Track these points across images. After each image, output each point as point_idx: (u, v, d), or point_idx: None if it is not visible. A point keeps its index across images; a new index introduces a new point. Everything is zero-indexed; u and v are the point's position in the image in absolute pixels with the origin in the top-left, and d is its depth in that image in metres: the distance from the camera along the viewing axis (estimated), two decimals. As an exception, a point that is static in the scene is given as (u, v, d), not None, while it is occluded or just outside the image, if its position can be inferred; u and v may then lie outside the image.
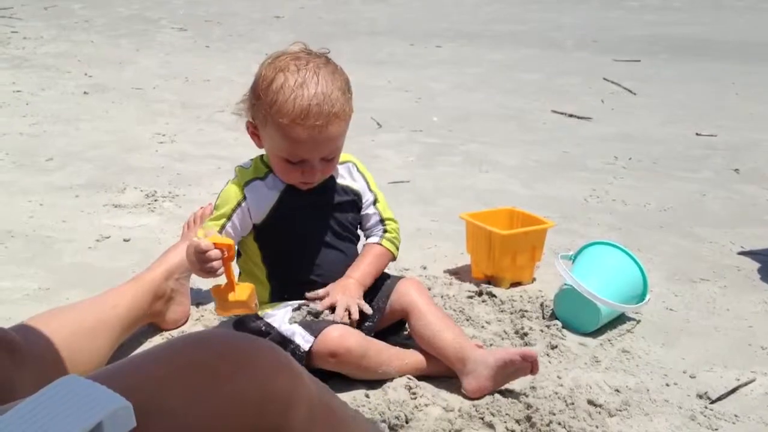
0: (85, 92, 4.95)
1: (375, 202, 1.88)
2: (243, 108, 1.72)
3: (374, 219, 1.89)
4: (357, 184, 1.86)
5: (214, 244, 1.54)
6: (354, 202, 1.86)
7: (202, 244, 1.54)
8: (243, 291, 1.60)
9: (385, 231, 1.89)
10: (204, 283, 2.10)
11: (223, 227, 1.70)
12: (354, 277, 1.79)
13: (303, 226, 1.77)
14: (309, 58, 1.65)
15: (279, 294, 1.79)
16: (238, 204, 1.72)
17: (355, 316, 1.72)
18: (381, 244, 1.87)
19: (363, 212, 1.88)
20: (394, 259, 1.90)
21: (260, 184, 1.74)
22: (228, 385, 0.90)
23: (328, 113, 1.60)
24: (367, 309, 1.76)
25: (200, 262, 1.55)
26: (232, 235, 1.71)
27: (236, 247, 1.64)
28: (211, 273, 1.56)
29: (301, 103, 1.58)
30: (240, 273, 1.83)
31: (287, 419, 0.95)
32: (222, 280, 1.61)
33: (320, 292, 1.77)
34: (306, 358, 1.64)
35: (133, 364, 0.96)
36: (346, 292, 1.75)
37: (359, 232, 1.92)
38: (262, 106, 1.62)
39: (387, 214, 1.90)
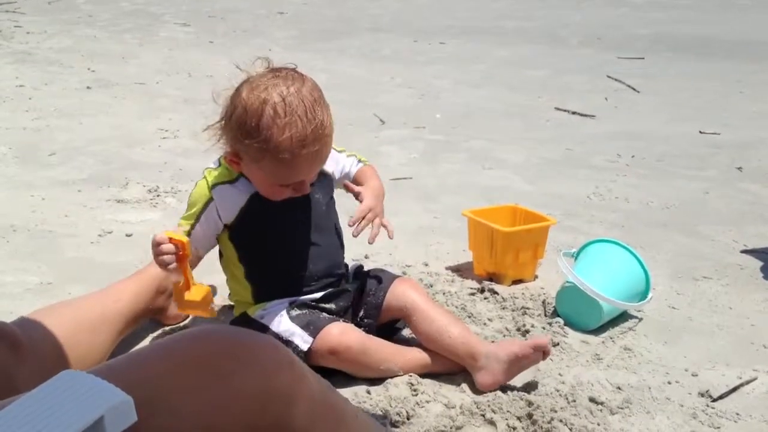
0: (88, 87, 4.95)
1: (347, 156, 1.90)
2: (216, 135, 1.65)
3: (350, 162, 1.90)
4: (328, 164, 1.80)
5: (170, 238, 1.55)
6: (327, 186, 1.84)
7: (157, 237, 1.55)
8: (198, 292, 1.60)
9: (359, 161, 1.92)
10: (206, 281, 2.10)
11: (192, 227, 1.70)
12: (377, 188, 1.84)
13: (276, 225, 1.74)
14: (285, 80, 1.58)
15: (262, 294, 1.78)
16: (205, 205, 1.70)
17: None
18: (366, 164, 1.92)
19: (342, 168, 1.88)
20: None
21: (229, 188, 1.71)
22: (229, 382, 0.90)
23: (321, 136, 1.57)
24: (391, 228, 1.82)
25: (154, 255, 1.56)
26: (200, 235, 1.70)
27: (191, 247, 1.60)
28: (163, 266, 1.55)
29: (297, 135, 1.53)
30: (227, 279, 1.84)
31: (288, 415, 0.95)
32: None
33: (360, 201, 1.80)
34: (305, 358, 1.64)
35: (134, 359, 0.96)
36: (377, 207, 1.80)
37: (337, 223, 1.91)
38: (255, 144, 1.55)
39: (352, 153, 1.92)
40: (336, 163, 1.86)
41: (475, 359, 1.70)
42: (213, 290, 2.17)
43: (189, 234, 1.68)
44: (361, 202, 1.80)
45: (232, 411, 0.89)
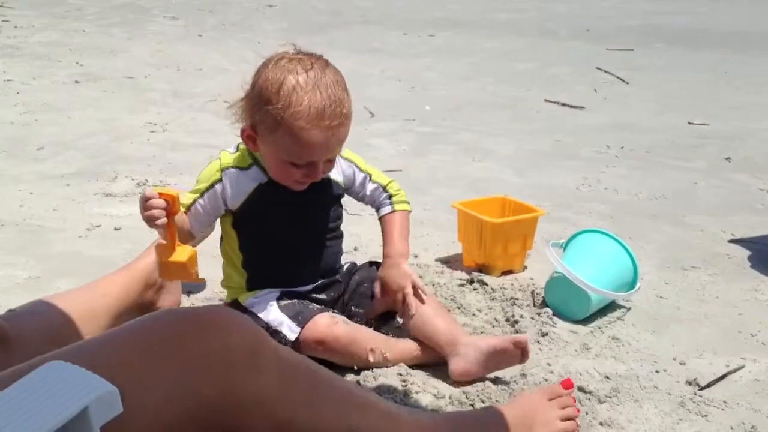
0: (76, 81, 4.93)
1: (370, 177, 1.86)
2: (239, 112, 1.66)
3: (377, 192, 1.87)
4: (343, 174, 1.82)
5: (159, 193, 1.53)
6: (337, 195, 1.83)
7: (146, 192, 1.53)
8: (183, 252, 1.56)
9: (390, 196, 1.87)
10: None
11: (193, 202, 1.69)
12: (394, 255, 1.81)
13: (278, 224, 1.74)
14: (310, 59, 1.60)
15: (256, 282, 1.78)
16: (212, 185, 1.69)
17: (423, 295, 1.79)
18: (396, 210, 1.87)
19: (363, 192, 1.86)
20: (410, 211, 1.91)
21: (239, 173, 1.70)
22: (191, 342, 0.95)
23: (340, 114, 1.56)
24: (422, 284, 1.81)
25: (143, 210, 1.53)
26: (199, 213, 1.70)
27: (180, 202, 1.58)
28: (152, 222, 1.52)
29: (316, 106, 1.53)
30: (224, 264, 1.82)
31: (254, 377, 0.98)
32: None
33: (377, 292, 1.81)
34: (293, 348, 1.64)
35: (101, 338, 1.01)
36: (400, 279, 1.78)
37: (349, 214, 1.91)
38: (273, 111, 1.54)
39: (384, 180, 1.88)
40: (354, 177, 1.84)
41: (454, 346, 1.70)
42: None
43: (189, 208, 1.67)
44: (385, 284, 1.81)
45: (198, 372, 0.94)
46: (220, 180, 1.70)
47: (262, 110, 1.56)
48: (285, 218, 1.74)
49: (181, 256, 1.55)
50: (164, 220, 1.52)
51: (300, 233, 1.77)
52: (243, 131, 1.65)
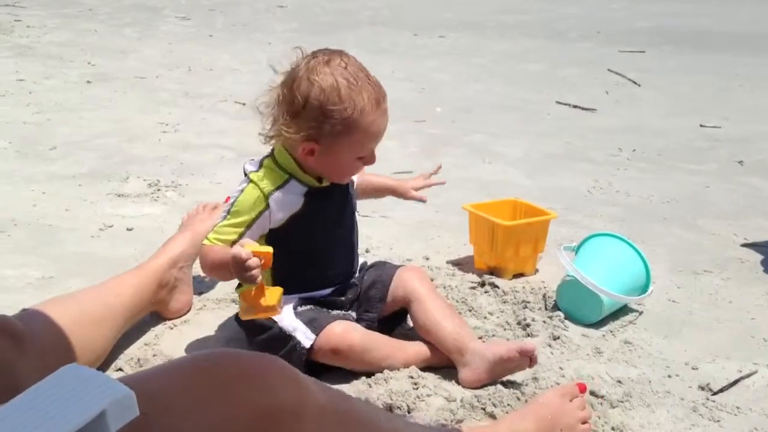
0: (88, 81, 4.94)
1: None
2: (281, 132, 1.63)
3: None
4: None
5: (253, 252, 1.51)
6: (353, 185, 1.86)
7: (242, 254, 1.49)
8: (273, 295, 1.56)
9: None
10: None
11: (241, 235, 1.65)
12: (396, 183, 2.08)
13: (321, 227, 1.74)
14: (333, 56, 1.63)
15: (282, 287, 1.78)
16: (260, 213, 1.66)
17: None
18: None
19: None
20: None
21: (283, 194, 1.68)
22: (235, 395, 0.93)
23: (385, 93, 1.65)
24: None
25: (240, 271, 1.50)
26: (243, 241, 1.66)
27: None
28: (252, 281, 1.52)
29: (373, 96, 1.61)
30: None
31: (296, 431, 0.97)
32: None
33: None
34: (308, 355, 1.65)
35: (143, 373, 1.00)
36: (410, 181, 2.11)
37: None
38: (343, 116, 1.58)
39: None
40: None
41: (462, 354, 1.70)
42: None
43: (234, 242, 1.63)
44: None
45: (238, 424, 0.92)
46: (267, 207, 1.67)
47: (330, 120, 1.59)
48: (326, 219, 1.75)
49: (272, 300, 1.56)
50: (261, 278, 1.52)
51: (336, 233, 1.79)
52: (303, 149, 1.64)
